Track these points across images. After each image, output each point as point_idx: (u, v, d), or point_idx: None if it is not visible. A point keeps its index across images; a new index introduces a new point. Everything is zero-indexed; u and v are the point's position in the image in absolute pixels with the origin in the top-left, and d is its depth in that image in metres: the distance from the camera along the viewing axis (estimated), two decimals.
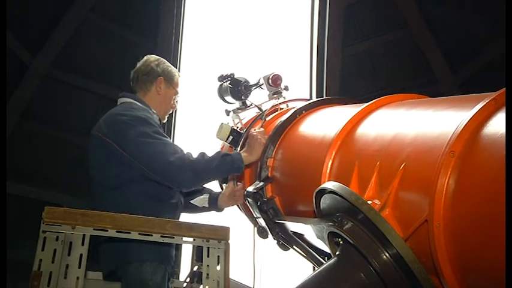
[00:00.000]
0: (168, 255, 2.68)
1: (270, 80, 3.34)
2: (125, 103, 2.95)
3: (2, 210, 2.18)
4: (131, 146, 2.64)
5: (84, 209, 2.32)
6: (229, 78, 3.52)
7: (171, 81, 3.09)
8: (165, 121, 3.18)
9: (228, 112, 3.55)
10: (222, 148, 3.48)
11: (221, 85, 3.61)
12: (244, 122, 3.40)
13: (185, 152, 2.69)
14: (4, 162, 2.36)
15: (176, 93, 3.14)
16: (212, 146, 3.46)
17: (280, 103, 3.30)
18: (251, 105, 3.46)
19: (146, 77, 3.04)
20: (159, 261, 2.59)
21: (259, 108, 3.32)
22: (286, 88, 3.37)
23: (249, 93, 3.49)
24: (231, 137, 3.10)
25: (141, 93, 3.02)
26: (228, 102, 3.63)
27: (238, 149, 2.95)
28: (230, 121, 3.42)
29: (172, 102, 3.13)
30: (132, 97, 2.99)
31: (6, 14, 2.68)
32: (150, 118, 2.81)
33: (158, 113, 3.02)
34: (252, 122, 3.15)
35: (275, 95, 3.34)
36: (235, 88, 3.47)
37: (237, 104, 3.57)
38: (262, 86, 3.42)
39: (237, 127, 3.31)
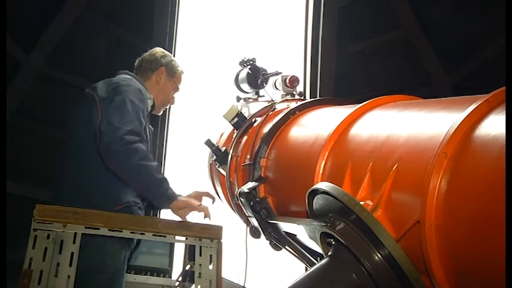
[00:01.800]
0: (130, 240, 2.61)
1: (287, 80, 3.38)
2: (124, 77, 2.94)
3: (2, 210, 2.17)
4: (109, 105, 2.61)
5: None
6: (250, 63, 3.57)
7: (172, 74, 3.10)
8: (160, 113, 3.18)
9: (239, 99, 3.62)
10: (222, 134, 3.54)
11: (240, 71, 3.66)
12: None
13: (145, 149, 2.54)
14: (4, 162, 2.34)
15: (176, 88, 3.14)
16: (204, 147, 3.45)
17: (294, 99, 3.33)
18: (263, 96, 3.53)
19: (149, 65, 3.06)
20: (119, 245, 2.54)
21: (272, 100, 3.37)
22: (300, 94, 3.42)
23: (265, 84, 3.53)
24: (236, 119, 3.22)
25: (142, 78, 3.04)
26: (242, 90, 3.69)
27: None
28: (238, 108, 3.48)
29: (170, 95, 3.13)
30: (132, 75, 3.00)
31: (6, 16, 2.66)
32: (143, 96, 2.78)
33: (155, 100, 3.02)
34: (261, 110, 3.25)
35: (288, 96, 3.38)
36: (253, 75, 3.53)
37: (249, 94, 3.64)
38: (277, 85, 3.46)
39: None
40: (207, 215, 2.50)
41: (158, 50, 3.16)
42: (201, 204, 2.52)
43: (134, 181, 2.53)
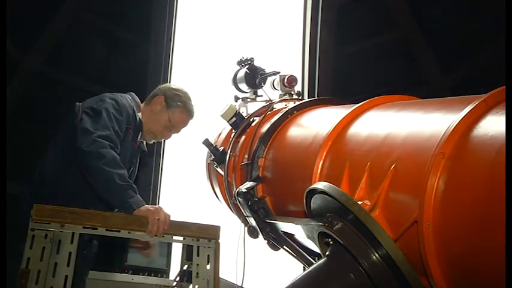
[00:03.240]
0: None
1: (285, 80, 3.37)
2: (118, 94, 2.94)
3: (2, 210, 2.16)
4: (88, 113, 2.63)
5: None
6: (248, 63, 3.56)
7: (169, 107, 2.97)
8: (149, 142, 3.10)
9: (237, 98, 3.61)
10: (219, 134, 3.53)
11: (238, 71, 3.66)
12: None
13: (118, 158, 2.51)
14: (4, 162, 2.34)
15: (167, 123, 2.99)
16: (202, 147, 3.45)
17: (292, 99, 3.33)
18: (261, 96, 3.52)
19: (155, 91, 3.08)
20: None
21: (270, 100, 3.37)
22: (298, 93, 3.41)
23: (263, 83, 3.53)
24: (234, 119, 3.21)
25: (144, 103, 3.05)
26: (240, 90, 3.69)
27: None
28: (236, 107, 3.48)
29: (160, 128, 3.00)
30: (132, 95, 3.01)
31: (6, 18, 2.65)
32: (122, 109, 2.76)
33: (144, 126, 2.96)
34: (259, 109, 3.23)
35: (286, 96, 3.38)
36: (251, 75, 3.52)
37: (247, 94, 3.64)
38: (275, 85, 3.46)
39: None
40: (150, 232, 2.36)
41: (179, 87, 3.11)
42: (159, 219, 2.37)
43: (97, 185, 2.51)
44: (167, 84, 3.17)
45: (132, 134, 2.85)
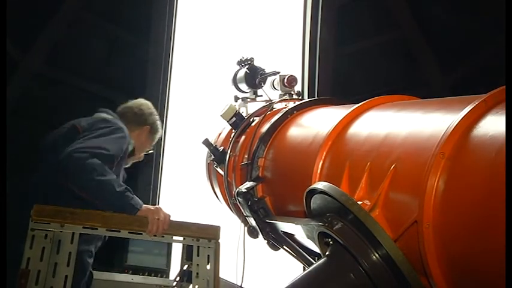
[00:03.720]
0: None
1: (285, 80, 3.37)
2: (112, 116, 2.92)
3: (2, 210, 2.16)
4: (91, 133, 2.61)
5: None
6: (248, 63, 3.56)
7: (153, 135, 3.13)
8: (127, 166, 3.09)
9: (236, 98, 3.61)
10: (219, 134, 3.53)
11: (238, 71, 3.65)
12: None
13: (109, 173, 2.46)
14: (4, 162, 2.34)
15: (150, 146, 3.17)
16: (201, 147, 3.45)
17: (292, 99, 3.33)
18: (261, 96, 3.52)
19: (135, 118, 3.05)
20: None
21: (270, 100, 3.37)
22: (298, 93, 3.41)
23: (263, 83, 3.53)
24: (234, 119, 3.21)
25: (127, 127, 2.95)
26: (240, 90, 3.69)
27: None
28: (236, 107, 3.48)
29: (143, 152, 3.15)
30: (118, 118, 2.96)
31: (6, 17, 2.65)
32: (126, 138, 2.76)
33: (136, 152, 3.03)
34: (259, 109, 3.23)
35: (286, 96, 3.38)
36: (251, 75, 3.52)
37: (247, 94, 3.63)
38: (275, 85, 3.46)
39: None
40: (150, 231, 2.39)
41: (146, 106, 3.16)
42: (158, 219, 2.41)
43: (96, 198, 2.43)
44: (142, 108, 3.11)
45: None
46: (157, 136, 3.16)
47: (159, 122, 3.16)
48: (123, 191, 2.42)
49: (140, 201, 2.46)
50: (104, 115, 2.91)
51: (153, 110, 3.18)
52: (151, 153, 3.31)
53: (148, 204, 2.51)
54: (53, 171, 2.49)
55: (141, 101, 3.19)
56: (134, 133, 3.01)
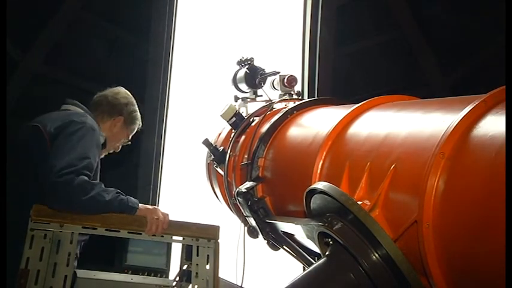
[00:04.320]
0: None
1: (285, 80, 3.37)
2: (79, 113, 2.76)
3: (2, 211, 2.16)
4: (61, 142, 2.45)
5: None
6: (248, 63, 3.56)
7: (128, 125, 2.97)
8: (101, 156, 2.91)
9: (236, 98, 3.61)
10: (219, 134, 3.53)
11: (238, 71, 3.65)
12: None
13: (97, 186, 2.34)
14: (4, 162, 2.33)
15: (126, 138, 3.00)
16: (202, 146, 3.45)
17: (292, 99, 3.33)
18: (261, 96, 3.52)
19: (109, 108, 2.91)
20: None
21: (270, 100, 3.37)
22: (298, 93, 3.41)
23: (263, 83, 3.53)
24: (234, 119, 3.20)
25: (98, 118, 2.85)
26: (240, 90, 3.68)
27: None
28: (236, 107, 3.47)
29: (118, 143, 2.99)
30: (86, 111, 2.82)
31: (6, 17, 2.65)
32: (98, 135, 2.62)
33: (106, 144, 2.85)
34: (259, 109, 3.24)
35: (286, 96, 3.38)
36: (251, 75, 3.52)
37: (247, 94, 3.63)
38: (275, 85, 3.46)
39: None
40: (149, 231, 2.38)
41: (123, 95, 3.00)
42: (158, 218, 2.39)
43: (91, 213, 2.34)
44: (117, 97, 2.95)
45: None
46: (134, 127, 3.00)
47: (136, 113, 3.00)
48: (115, 196, 2.35)
49: (136, 201, 2.43)
50: (71, 113, 2.74)
51: (131, 99, 3.01)
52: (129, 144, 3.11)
53: (148, 204, 2.50)
54: (30, 175, 2.39)
55: (119, 89, 3.04)
56: (106, 124, 2.88)
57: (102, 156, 2.90)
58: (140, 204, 2.44)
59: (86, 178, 2.29)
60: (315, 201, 1.87)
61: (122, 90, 3.05)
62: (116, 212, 2.36)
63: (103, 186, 2.37)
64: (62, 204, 2.28)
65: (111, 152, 3.01)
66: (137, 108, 3.03)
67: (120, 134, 2.97)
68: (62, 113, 2.78)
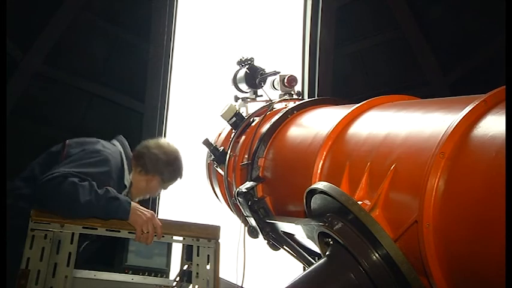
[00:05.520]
0: None
1: (285, 80, 3.37)
2: (107, 145, 2.70)
3: (2, 210, 2.16)
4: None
5: None
6: (248, 63, 3.56)
7: (166, 183, 2.96)
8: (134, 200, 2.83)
9: (236, 98, 3.61)
10: (219, 134, 3.53)
11: (238, 71, 3.65)
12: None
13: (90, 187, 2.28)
14: (4, 162, 2.34)
15: (162, 190, 3.00)
16: (202, 146, 3.45)
17: (292, 99, 3.33)
18: (261, 96, 3.53)
19: (148, 163, 2.84)
20: None
21: (270, 100, 3.37)
22: (298, 93, 3.41)
23: (263, 83, 3.53)
24: (234, 119, 3.20)
25: (133, 166, 2.81)
26: (240, 90, 3.68)
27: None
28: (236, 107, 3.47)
29: (150, 195, 2.99)
30: (123, 151, 2.76)
31: (6, 17, 2.65)
32: (112, 168, 2.55)
33: (132, 194, 2.81)
34: (259, 109, 3.24)
35: (286, 96, 3.38)
36: (251, 75, 3.53)
37: (247, 94, 3.64)
38: (275, 85, 3.46)
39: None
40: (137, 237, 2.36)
41: (166, 153, 2.92)
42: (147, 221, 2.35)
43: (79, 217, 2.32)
44: (159, 155, 2.86)
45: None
46: (172, 183, 2.96)
47: (175, 172, 2.93)
48: (104, 205, 2.27)
49: (126, 205, 2.33)
50: (102, 142, 2.69)
51: (172, 155, 2.93)
52: None
53: (148, 204, 2.48)
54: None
55: (163, 143, 2.95)
56: (139, 176, 2.83)
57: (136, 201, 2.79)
58: (138, 208, 2.37)
59: (74, 180, 2.23)
60: (315, 201, 1.87)
61: (165, 144, 2.96)
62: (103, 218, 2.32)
63: (94, 188, 2.27)
64: (50, 207, 2.25)
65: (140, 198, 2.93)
66: (179, 163, 2.94)
67: (155, 188, 2.93)
68: (96, 140, 2.69)
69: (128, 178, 2.73)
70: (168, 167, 2.91)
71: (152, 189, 2.93)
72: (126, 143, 2.85)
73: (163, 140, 3.04)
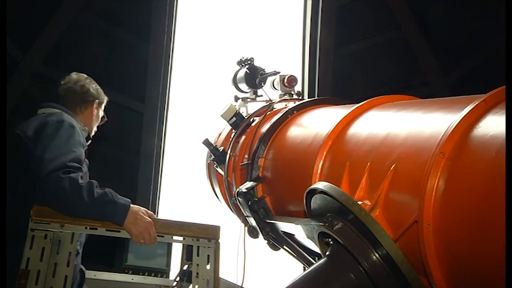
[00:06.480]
0: None
1: (285, 80, 3.37)
2: (55, 113, 2.75)
3: (2, 211, 2.16)
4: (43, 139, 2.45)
5: None
6: (248, 63, 3.56)
7: (102, 103, 3.08)
8: (92, 134, 3.05)
9: (236, 98, 3.61)
10: (220, 134, 3.53)
11: (238, 71, 3.65)
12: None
13: (87, 182, 2.28)
14: (4, 162, 2.33)
15: (99, 119, 3.09)
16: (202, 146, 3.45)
17: (292, 99, 3.33)
18: (261, 96, 3.53)
19: (81, 98, 2.95)
20: None
21: (270, 100, 3.37)
22: (298, 93, 3.41)
23: (263, 83, 3.53)
24: (234, 119, 3.21)
25: (75, 111, 2.89)
26: (240, 90, 3.68)
27: None
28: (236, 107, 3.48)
29: (98, 122, 3.09)
30: (63, 110, 2.83)
31: (6, 17, 2.65)
32: (78, 132, 2.62)
33: (89, 130, 2.97)
34: (259, 109, 3.24)
35: (286, 96, 3.38)
36: (251, 75, 3.52)
37: (247, 94, 3.64)
38: (275, 85, 3.46)
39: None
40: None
41: (84, 80, 3.02)
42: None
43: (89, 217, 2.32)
44: (82, 84, 2.98)
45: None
46: (104, 101, 3.10)
47: (100, 89, 3.07)
48: (100, 208, 2.26)
49: (123, 210, 2.31)
50: (47, 114, 2.76)
51: (89, 79, 3.05)
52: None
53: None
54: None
55: (76, 76, 3.04)
56: (86, 113, 2.95)
57: (93, 133, 3.02)
58: (138, 213, 2.34)
59: (74, 178, 2.23)
60: (315, 201, 1.87)
61: (78, 75, 3.07)
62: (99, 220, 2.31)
63: (93, 189, 2.26)
64: (53, 205, 2.25)
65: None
66: (91, 80, 3.08)
67: (100, 113, 3.07)
68: (38, 116, 2.81)
69: (82, 126, 2.82)
70: (93, 86, 3.04)
71: (98, 114, 3.05)
72: (52, 103, 2.96)
73: (71, 76, 3.08)
